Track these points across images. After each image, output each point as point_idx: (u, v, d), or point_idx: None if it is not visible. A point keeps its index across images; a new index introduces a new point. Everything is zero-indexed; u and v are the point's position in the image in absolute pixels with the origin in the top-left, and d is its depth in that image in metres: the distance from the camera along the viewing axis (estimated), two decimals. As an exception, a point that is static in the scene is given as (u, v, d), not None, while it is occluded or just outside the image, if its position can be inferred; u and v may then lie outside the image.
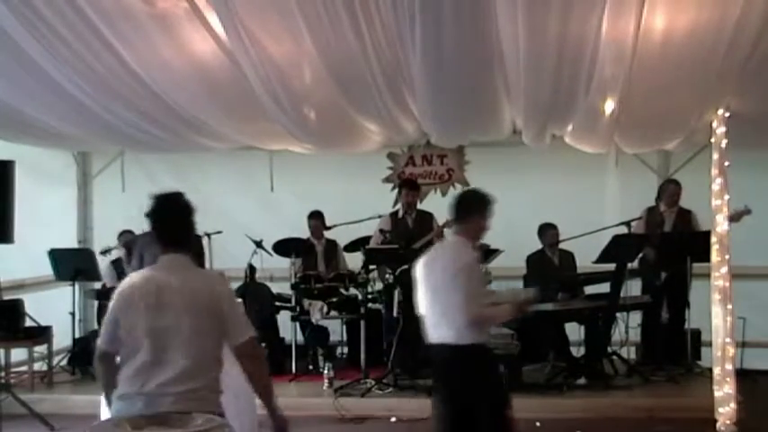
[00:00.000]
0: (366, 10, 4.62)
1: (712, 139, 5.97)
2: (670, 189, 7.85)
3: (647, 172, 8.55)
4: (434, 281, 4.27)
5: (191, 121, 6.53)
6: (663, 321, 7.69)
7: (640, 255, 7.70)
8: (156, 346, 3.23)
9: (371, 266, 7.58)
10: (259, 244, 7.92)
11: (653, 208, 7.89)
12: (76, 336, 7.95)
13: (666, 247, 7.58)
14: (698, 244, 6.68)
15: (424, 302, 4.36)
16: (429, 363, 4.56)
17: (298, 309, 7.77)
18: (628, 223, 7.58)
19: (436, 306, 4.27)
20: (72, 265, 7.84)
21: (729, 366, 5.80)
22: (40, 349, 7.65)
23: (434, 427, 4.42)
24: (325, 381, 7.09)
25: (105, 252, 8.00)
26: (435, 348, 4.31)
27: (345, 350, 8.32)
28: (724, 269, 5.84)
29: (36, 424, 6.36)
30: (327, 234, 8.37)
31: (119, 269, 8.14)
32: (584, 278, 7.67)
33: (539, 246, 7.94)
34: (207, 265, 7.51)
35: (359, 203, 8.32)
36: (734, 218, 6.44)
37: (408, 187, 7.90)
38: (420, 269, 4.38)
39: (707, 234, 6.17)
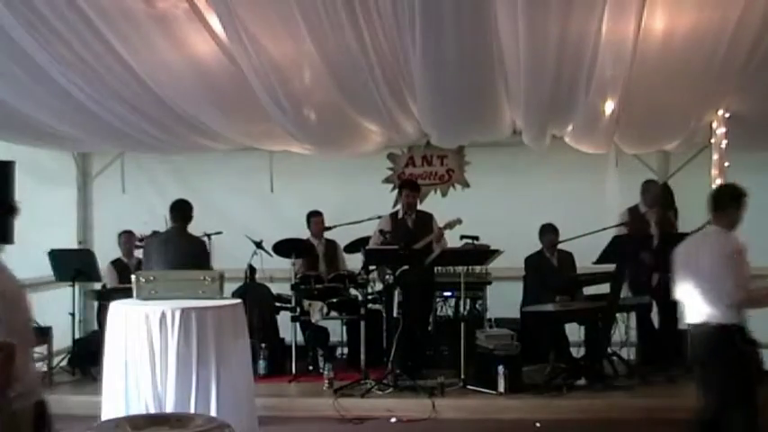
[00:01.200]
0: (366, 10, 4.62)
1: (712, 140, 5.98)
2: (652, 189, 7.88)
3: (647, 172, 8.55)
4: (700, 266, 4.63)
5: (191, 121, 6.53)
6: (655, 323, 7.73)
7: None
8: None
9: (371, 267, 7.58)
10: (259, 244, 7.92)
11: (634, 208, 7.89)
12: (76, 336, 7.94)
13: (667, 248, 7.57)
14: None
15: (684, 286, 4.74)
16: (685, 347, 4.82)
17: (298, 309, 7.78)
18: (624, 225, 7.60)
19: (700, 289, 4.59)
20: (72, 265, 7.83)
21: (729, 367, 5.78)
22: (40, 350, 7.64)
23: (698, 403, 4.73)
24: (325, 381, 7.09)
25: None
26: (697, 328, 4.65)
27: (345, 350, 8.32)
28: (724, 270, 5.82)
29: (36, 424, 6.35)
30: (327, 234, 8.38)
31: (119, 269, 8.17)
32: (583, 279, 7.67)
33: (538, 246, 7.94)
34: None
35: (359, 204, 8.32)
36: None
37: (408, 188, 7.89)
38: (681, 257, 4.81)
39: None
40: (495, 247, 7.48)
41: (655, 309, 7.83)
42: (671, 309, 7.68)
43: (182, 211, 6.87)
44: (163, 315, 5.13)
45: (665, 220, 7.83)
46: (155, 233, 7.49)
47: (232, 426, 4.01)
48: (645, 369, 7.43)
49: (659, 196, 7.85)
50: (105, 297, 7.39)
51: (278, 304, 8.13)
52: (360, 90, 5.79)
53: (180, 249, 6.70)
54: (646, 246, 7.60)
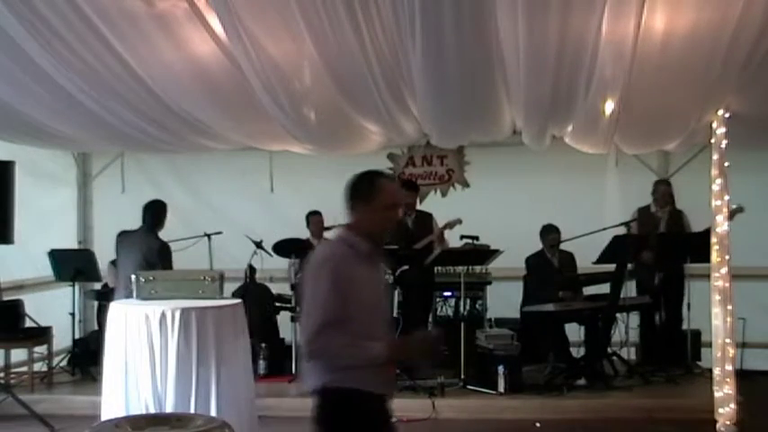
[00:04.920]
0: (366, 10, 4.62)
1: (712, 140, 5.97)
2: (661, 190, 7.89)
3: (646, 172, 8.56)
4: None
5: (190, 121, 6.53)
6: (659, 322, 7.73)
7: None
8: None
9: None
10: (259, 245, 7.92)
11: (645, 208, 7.91)
12: (76, 336, 7.95)
13: (666, 248, 7.59)
14: (698, 244, 6.69)
15: None
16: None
17: (298, 309, 7.77)
18: (627, 224, 7.60)
19: None
20: (72, 265, 7.84)
21: (729, 367, 5.80)
22: (40, 350, 7.65)
23: None
24: (326, 381, 7.09)
25: None
26: None
27: (345, 351, 8.31)
28: (724, 270, 5.84)
29: (36, 424, 6.36)
30: (327, 234, 8.37)
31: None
32: (584, 279, 7.68)
33: (539, 246, 7.94)
34: (207, 265, 7.61)
35: (359, 204, 8.31)
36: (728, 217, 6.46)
37: (407, 188, 7.88)
38: None
39: (707, 234, 6.17)
40: (495, 247, 7.48)
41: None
42: (675, 309, 7.70)
43: (147, 210, 7.17)
44: (163, 315, 5.13)
45: (676, 220, 7.80)
46: (123, 232, 7.50)
47: (232, 426, 4.01)
48: (645, 369, 7.43)
49: (668, 195, 7.83)
50: (105, 297, 7.40)
51: (278, 304, 8.14)
52: (360, 90, 5.78)
53: (136, 251, 6.94)
54: (646, 246, 7.61)
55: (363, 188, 3.18)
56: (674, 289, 7.68)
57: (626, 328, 7.58)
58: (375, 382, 3.10)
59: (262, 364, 7.53)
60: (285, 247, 7.90)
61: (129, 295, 6.03)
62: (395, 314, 7.09)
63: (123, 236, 7.33)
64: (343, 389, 3.04)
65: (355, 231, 3.15)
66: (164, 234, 7.36)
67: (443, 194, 9.19)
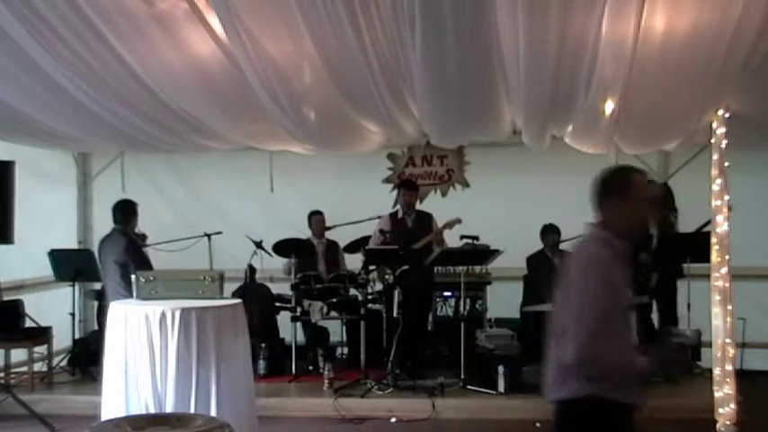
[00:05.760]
0: (366, 10, 4.62)
1: (712, 140, 5.97)
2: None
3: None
4: None
5: (190, 121, 6.53)
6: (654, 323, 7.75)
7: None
8: None
9: (371, 267, 7.57)
10: (259, 245, 7.92)
11: None
12: (77, 336, 7.95)
13: (664, 249, 7.59)
14: (696, 245, 6.68)
15: None
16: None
17: (298, 309, 7.78)
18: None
19: None
20: (72, 265, 7.84)
21: (729, 367, 5.79)
22: (40, 350, 7.65)
23: None
24: (326, 381, 7.10)
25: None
26: None
27: (345, 350, 8.33)
28: (724, 270, 5.84)
29: (36, 424, 6.36)
30: (327, 234, 8.38)
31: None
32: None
33: (539, 246, 7.94)
34: (207, 265, 7.61)
35: (359, 204, 8.33)
36: None
37: (406, 188, 7.90)
38: None
39: (706, 234, 6.17)
40: (495, 247, 7.48)
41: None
42: (670, 309, 7.72)
43: (115, 210, 7.21)
44: (163, 315, 5.12)
45: (665, 222, 7.83)
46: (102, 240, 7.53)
47: (232, 426, 4.01)
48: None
49: (658, 197, 7.86)
50: (105, 297, 7.39)
51: (278, 304, 8.14)
52: (360, 90, 5.79)
53: (108, 256, 7.07)
54: (645, 246, 7.60)
55: (616, 183, 3.09)
56: (667, 290, 7.69)
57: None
58: (635, 393, 2.95)
59: (262, 364, 7.53)
60: (285, 247, 7.90)
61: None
62: (395, 314, 7.08)
63: (100, 243, 7.38)
64: (607, 399, 2.88)
65: (610, 229, 3.04)
66: (164, 234, 7.36)
67: (443, 194, 9.20)
